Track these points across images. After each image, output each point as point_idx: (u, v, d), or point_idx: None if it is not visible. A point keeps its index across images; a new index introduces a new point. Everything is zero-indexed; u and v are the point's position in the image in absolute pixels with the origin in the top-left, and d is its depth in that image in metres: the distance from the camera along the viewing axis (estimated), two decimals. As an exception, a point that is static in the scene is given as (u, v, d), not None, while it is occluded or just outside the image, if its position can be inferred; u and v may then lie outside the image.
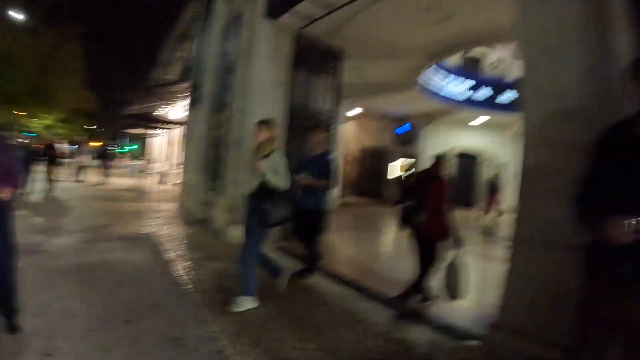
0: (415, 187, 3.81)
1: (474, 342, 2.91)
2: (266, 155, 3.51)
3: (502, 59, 15.86)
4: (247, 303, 3.40)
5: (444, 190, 3.66)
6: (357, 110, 15.22)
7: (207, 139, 8.39)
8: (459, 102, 13.19)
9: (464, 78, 13.35)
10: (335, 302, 3.85)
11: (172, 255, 5.07)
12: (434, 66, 11.67)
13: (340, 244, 6.80)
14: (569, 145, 2.32)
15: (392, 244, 8.07)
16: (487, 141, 15.60)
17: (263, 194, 3.45)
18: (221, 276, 4.30)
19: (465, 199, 15.63)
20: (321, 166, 4.39)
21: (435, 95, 12.40)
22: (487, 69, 15.49)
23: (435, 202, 3.58)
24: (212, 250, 5.45)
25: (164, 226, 7.08)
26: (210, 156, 8.11)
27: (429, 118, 14.87)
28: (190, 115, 10.87)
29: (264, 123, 3.71)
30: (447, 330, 3.28)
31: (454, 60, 13.47)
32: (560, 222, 2.08)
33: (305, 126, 6.63)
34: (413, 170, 13.36)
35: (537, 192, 2.60)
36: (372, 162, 17.24)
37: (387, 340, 3.09)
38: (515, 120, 14.55)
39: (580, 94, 2.44)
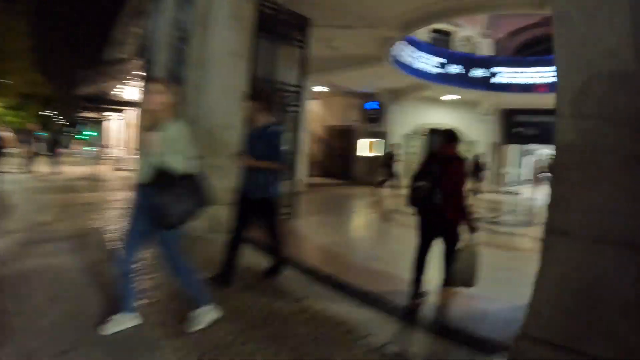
0: (427, 167, 3.43)
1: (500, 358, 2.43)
2: (161, 128, 2.53)
3: (470, 36, 15.59)
4: (205, 316, 2.75)
5: (462, 171, 3.46)
6: (323, 88, 14.59)
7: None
8: (429, 77, 12.83)
9: (434, 54, 12.96)
10: (315, 308, 3.28)
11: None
12: (405, 41, 11.18)
13: (311, 232, 6.31)
14: (621, 115, 1.86)
15: (367, 228, 7.65)
16: (457, 119, 15.36)
17: (158, 182, 2.50)
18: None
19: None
20: (265, 142, 3.47)
21: (407, 69, 11.94)
22: (458, 44, 15.17)
23: (453, 184, 3.33)
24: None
25: (115, 220, 6.33)
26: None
27: (397, 95, 14.44)
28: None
29: (158, 82, 2.76)
30: (464, 338, 2.80)
31: (425, 36, 13.06)
32: (608, 211, 1.60)
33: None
34: (391, 149, 12.94)
35: (578, 175, 2.08)
36: (339, 141, 16.74)
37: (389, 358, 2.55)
38: (485, 98, 14.70)
39: (635, 50, 1.92)
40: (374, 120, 15.18)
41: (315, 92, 15.73)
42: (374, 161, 15.12)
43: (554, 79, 2.11)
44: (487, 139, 15.57)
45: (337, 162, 16.53)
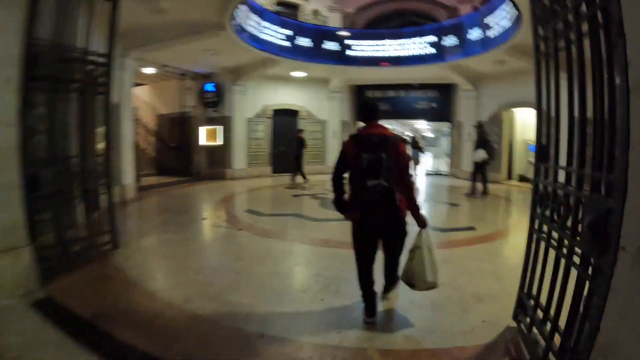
0: (371, 156, 2.90)
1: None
2: None
3: (318, 10, 14.91)
4: None
5: (405, 155, 3.00)
6: (152, 69, 11.97)
7: None
8: (276, 51, 11.48)
9: (281, 25, 11.68)
10: None
11: None
12: (247, 6, 9.59)
13: (143, 270, 4.26)
14: None
15: (226, 245, 6.04)
16: (306, 98, 14.61)
17: None
18: None
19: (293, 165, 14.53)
20: None
21: (252, 41, 10.37)
22: (305, 19, 14.24)
23: (400, 171, 2.91)
24: None
25: None
26: None
27: (239, 74, 12.75)
28: None
29: None
30: None
31: (270, 6, 11.64)
32: None
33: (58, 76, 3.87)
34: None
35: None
36: (174, 131, 14.24)
37: None
38: (335, 74, 14.28)
39: None
40: (211, 105, 13.19)
41: (146, 75, 12.91)
42: (217, 151, 13.30)
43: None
44: (338, 117, 15.14)
45: (174, 156, 14.04)
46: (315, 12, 14.54)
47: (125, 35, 8.40)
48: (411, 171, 3.01)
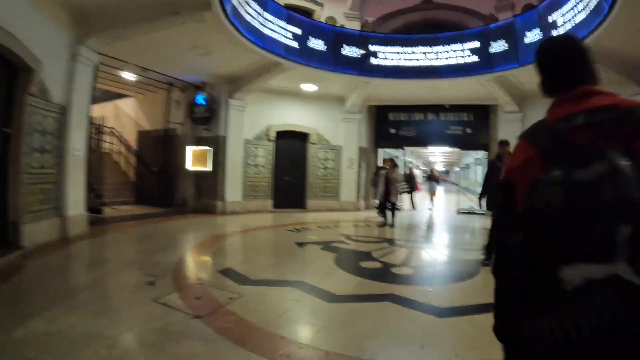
0: None
1: None
2: None
3: (333, 17, 12.81)
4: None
5: None
6: (131, 76, 9.74)
7: None
8: (281, 52, 9.14)
9: (289, 21, 9.42)
10: None
11: None
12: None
13: None
14: None
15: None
16: (318, 118, 12.22)
17: None
18: None
19: (298, 197, 12.00)
20: None
21: (249, 34, 8.05)
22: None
23: None
24: None
25: None
26: None
27: (236, 84, 10.46)
28: None
29: None
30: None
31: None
32: None
33: None
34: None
35: None
36: (157, 152, 11.80)
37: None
38: (352, 89, 11.75)
39: None
40: (202, 121, 10.82)
41: (129, 84, 10.74)
42: (207, 179, 10.83)
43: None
44: (356, 142, 12.63)
45: (156, 182, 11.57)
46: (330, 20, 12.38)
47: (80, 17, 6.18)
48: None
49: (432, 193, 15.08)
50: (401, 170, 13.63)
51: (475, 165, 18.79)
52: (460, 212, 12.72)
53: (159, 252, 5.68)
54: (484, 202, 5.70)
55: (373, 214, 10.49)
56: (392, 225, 8.93)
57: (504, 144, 5.51)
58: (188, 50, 8.09)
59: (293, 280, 4.43)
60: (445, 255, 6.33)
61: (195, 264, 5.34)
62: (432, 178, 15.83)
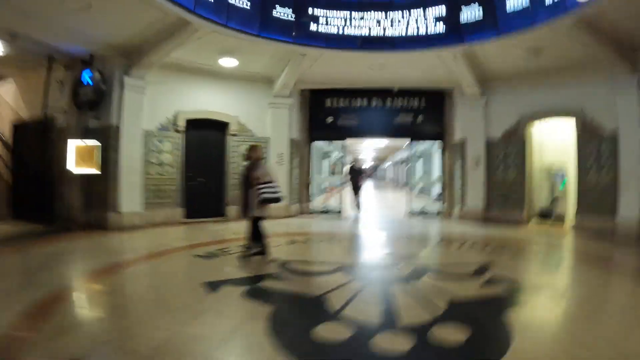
0: None
1: None
2: None
3: None
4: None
5: None
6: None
7: None
8: (189, 5, 6.55)
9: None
10: None
11: None
12: None
13: None
14: None
15: None
16: (239, 104, 9.74)
17: None
18: None
19: (215, 204, 9.41)
20: None
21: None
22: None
23: None
24: None
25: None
26: None
27: (132, 56, 7.69)
28: None
29: None
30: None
31: None
32: None
33: None
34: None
35: None
36: (34, 149, 8.61)
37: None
38: (283, 69, 9.05)
39: None
40: (87, 106, 7.87)
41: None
42: (96, 184, 7.93)
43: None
44: (286, 134, 10.24)
45: (34, 189, 8.39)
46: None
47: None
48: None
49: (356, 190, 11.22)
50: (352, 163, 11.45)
51: (417, 158, 17.18)
52: (411, 214, 10.94)
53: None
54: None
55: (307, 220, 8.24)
56: (260, 253, 5.42)
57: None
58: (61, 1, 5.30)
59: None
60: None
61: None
62: (359, 172, 11.61)
